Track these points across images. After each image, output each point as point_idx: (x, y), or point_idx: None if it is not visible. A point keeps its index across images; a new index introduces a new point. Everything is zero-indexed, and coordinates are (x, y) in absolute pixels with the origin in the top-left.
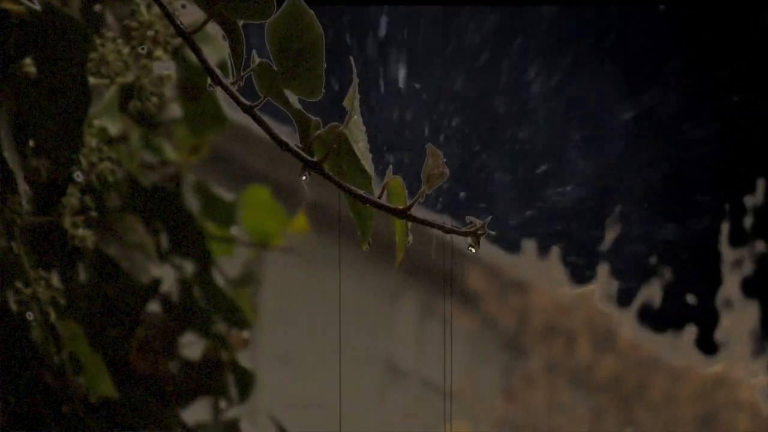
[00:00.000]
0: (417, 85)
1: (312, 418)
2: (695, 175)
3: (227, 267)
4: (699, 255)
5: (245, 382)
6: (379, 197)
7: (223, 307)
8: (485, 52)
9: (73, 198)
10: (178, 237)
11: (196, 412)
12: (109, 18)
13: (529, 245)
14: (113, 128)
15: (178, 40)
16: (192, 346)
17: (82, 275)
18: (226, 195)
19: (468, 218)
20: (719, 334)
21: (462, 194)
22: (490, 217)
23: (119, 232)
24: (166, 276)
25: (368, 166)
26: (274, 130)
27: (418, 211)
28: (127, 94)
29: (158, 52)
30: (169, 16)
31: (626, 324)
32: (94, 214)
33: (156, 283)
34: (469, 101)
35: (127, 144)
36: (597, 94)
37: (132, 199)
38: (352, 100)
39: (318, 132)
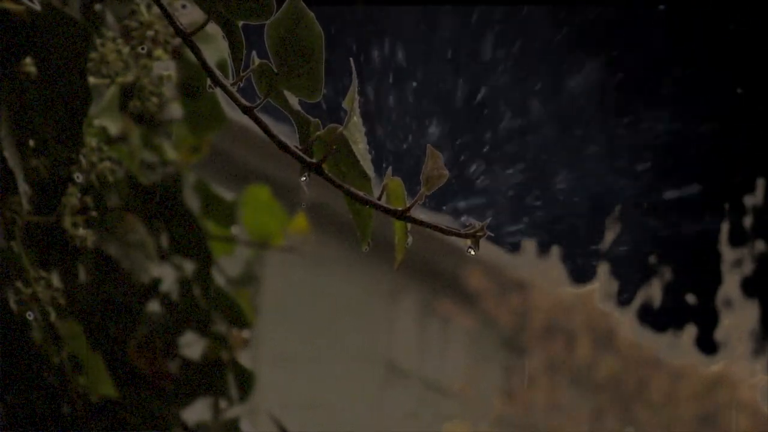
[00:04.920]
0: (414, 83)
1: (312, 418)
2: (695, 175)
3: (227, 267)
4: (699, 255)
5: (245, 382)
6: (379, 198)
7: (223, 307)
8: (486, 53)
9: (73, 198)
10: (178, 237)
11: (196, 412)
12: (109, 18)
13: (529, 245)
14: (113, 128)
15: (178, 40)
16: (192, 346)
17: (82, 275)
18: (226, 195)
19: (467, 220)
20: (719, 334)
21: (462, 195)
22: (488, 219)
23: (119, 232)
24: (166, 276)
25: (368, 167)
26: (274, 130)
27: (417, 213)
28: (127, 94)
29: (158, 52)
30: (168, 17)
31: (626, 324)
32: (94, 214)
33: (156, 282)
34: (469, 101)
35: (127, 144)
36: (595, 94)
37: (132, 199)
38: (352, 101)
39: (317, 133)
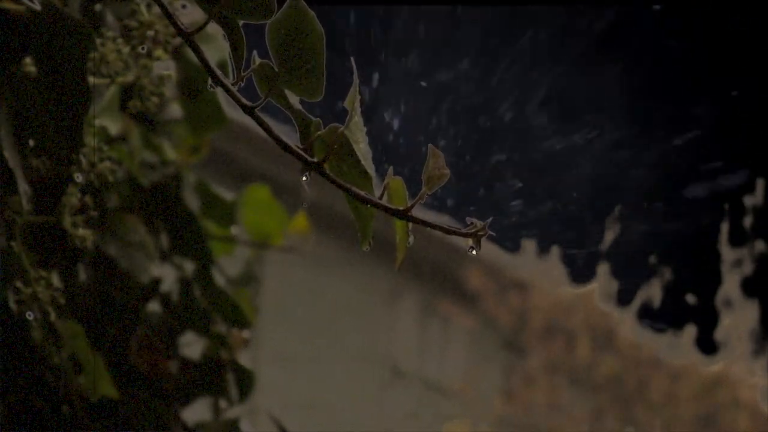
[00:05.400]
0: (423, 83)
1: (312, 418)
2: (695, 175)
3: (227, 267)
4: (699, 255)
5: (245, 381)
6: (380, 198)
7: (223, 307)
8: (484, 52)
9: (73, 198)
10: (178, 237)
11: (196, 411)
12: (109, 18)
13: (529, 245)
14: (113, 128)
15: (178, 40)
16: (192, 346)
17: (82, 275)
18: (226, 194)
19: (468, 219)
20: (719, 334)
21: (461, 194)
22: (490, 219)
23: (119, 232)
24: (166, 276)
25: (369, 166)
26: (275, 130)
27: (418, 212)
28: (127, 93)
29: (158, 52)
30: (169, 17)
31: (626, 324)
32: (94, 214)
33: (156, 282)
34: (467, 100)
35: (127, 144)
36: (596, 94)
37: (132, 199)
38: (353, 100)
39: (318, 132)
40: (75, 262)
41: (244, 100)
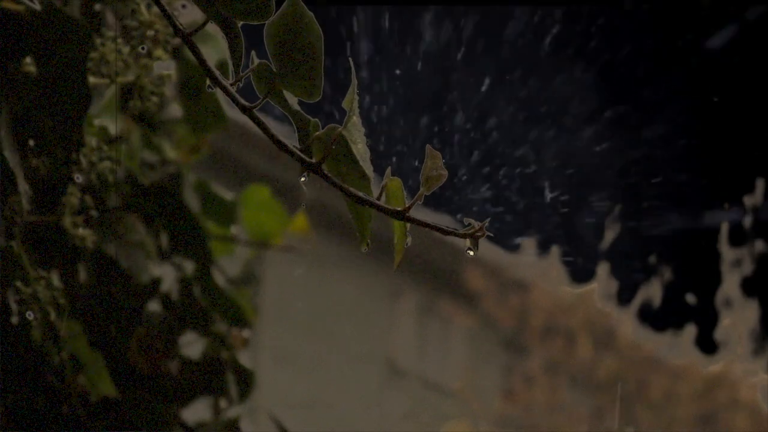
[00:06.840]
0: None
1: (312, 418)
2: (694, 175)
3: (227, 267)
4: (699, 255)
5: (245, 381)
6: (378, 198)
7: (223, 307)
8: (480, 53)
9: (73, 198)
10: (178, 236)
11: (196, 411)
12: (109, 18)
13: (529, 245)
14: (113, 128)
15: (178, 40)
16: (192, 346)
17: (82, 275)
18: (226, 194)
19: (466, 220)
20: (719, 334)
21: (459, 195)
22: (488, 219)
23: (119, 232)
24: (166, 275)
25: (367, 167)
26: (273, 130)
27: (416, 213)
28: (128, 93)
29: (158, 52)
30: (168, 17)
31: (626, 324)
32: (94, 213)
33: (156, 282)
34: (463, 100)
35: (127, 143)
36: (597, 94)
37: (132, 199)
38: (351, 101)
39: (317, 133)
40: (75, 262)
41: (242, 101)
